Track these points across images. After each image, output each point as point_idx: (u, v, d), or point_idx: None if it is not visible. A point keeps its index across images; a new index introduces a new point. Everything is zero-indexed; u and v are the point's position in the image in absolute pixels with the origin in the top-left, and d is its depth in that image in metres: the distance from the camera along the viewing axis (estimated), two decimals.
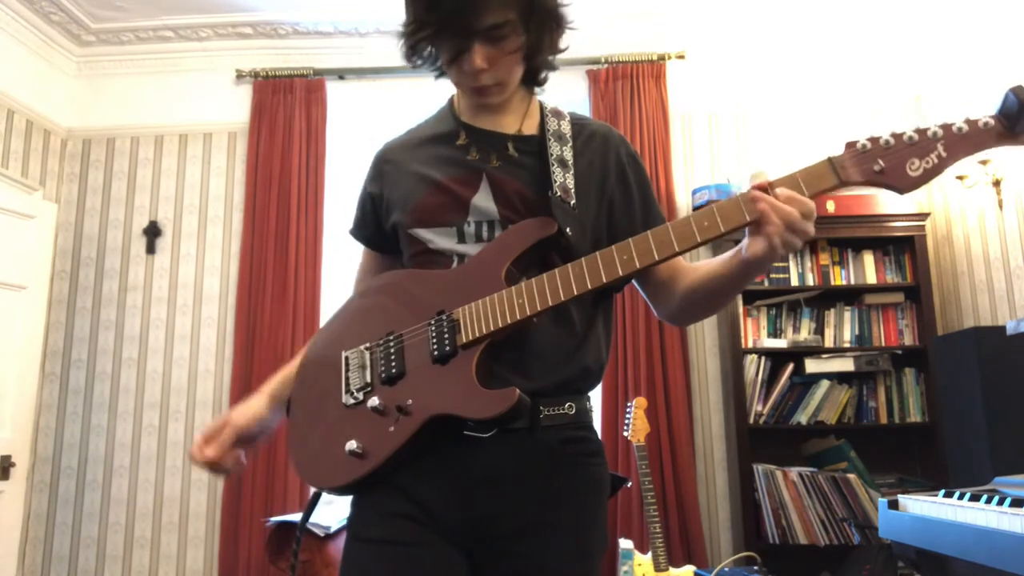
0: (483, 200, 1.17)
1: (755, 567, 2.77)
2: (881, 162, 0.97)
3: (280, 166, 3.62)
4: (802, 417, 3.20)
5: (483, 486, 1.10)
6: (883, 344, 3.28)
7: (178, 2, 3.61)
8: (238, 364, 3.46)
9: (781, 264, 3.35)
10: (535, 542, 1.09)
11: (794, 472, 3.09)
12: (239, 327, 3.50)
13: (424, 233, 1.20)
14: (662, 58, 3.69)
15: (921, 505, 1.78)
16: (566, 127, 1.23)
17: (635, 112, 3.61)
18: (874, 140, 0.98)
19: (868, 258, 3.35)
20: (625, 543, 2.75)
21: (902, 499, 1.88)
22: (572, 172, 1.17)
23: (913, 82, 3.65)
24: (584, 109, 3.66)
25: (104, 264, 3.70)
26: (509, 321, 1.06)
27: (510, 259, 1.11)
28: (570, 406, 1.14)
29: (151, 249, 3.69)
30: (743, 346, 3.27)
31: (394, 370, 1.12)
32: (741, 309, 3.32)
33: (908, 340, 3.27)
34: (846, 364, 3.20)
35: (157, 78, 3.86)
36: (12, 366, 3.25)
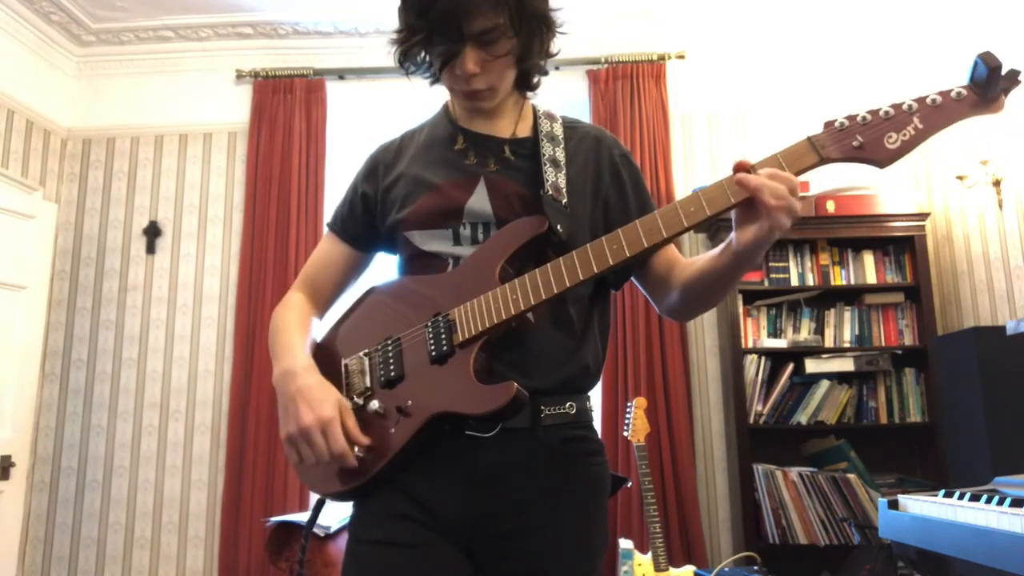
0: (479, 203, 1.18)
1: (755, 567, 2.77)
2: (859, 138, 0.99)
3: (280, 166, 3.62)
4: (802, 417, 3.20)
5: (485, 486, 1.10)
6: (883, 344, 3.28)
7: (178, 2, 3.61)
8: (238, 364, 3.46)
9: (781, 264, 3.36)
10: (536, 541, 1.09)
11: (794, 472, 3.09)
12: (239, 327, 3.50)
13: (420, 235, 1.20)
14: (662, 58, 3.69)
15: (921, 505, 1.78)
16: (558, 129, 1.24)
17: (635, 112, 3.61)
18: (851, 117, 1.00)
19: (868, 258, 3.35)
20: (625, 543, 2.75)
21: (902, 499, 1.88)
22: (564, 172, 1.19)
23: (913, 82, 3.64)
24: (584, 109, 3.66)
25: (104, 264, 3.70)
26: (504, 317, 1.07)
27: (504, 258, 1.12)
28: (571, 406, 1.15)
29: (151, 249, 3.69)
30: (743, 346, 3.27)
31: (393, 373, 1.13)
32: (741, 309, 3.32)
33: (908, 340, 3.27)
34: (846, 364, 3.20)
35: (157, 78, 3.86)
36: (12, 366, 3.25)
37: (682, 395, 3.33)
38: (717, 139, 3.70)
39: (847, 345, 3.29)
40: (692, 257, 1.20)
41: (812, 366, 3.21)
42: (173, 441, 3.53)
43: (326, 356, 1.24)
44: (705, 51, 3.75)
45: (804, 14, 3.69)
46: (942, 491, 1.74)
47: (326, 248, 1.35)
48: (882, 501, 1.94)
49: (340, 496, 1.15)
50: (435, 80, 1.21)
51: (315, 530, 2.67)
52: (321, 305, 1.35)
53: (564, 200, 1.16)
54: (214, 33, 3.80)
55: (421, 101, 3.87)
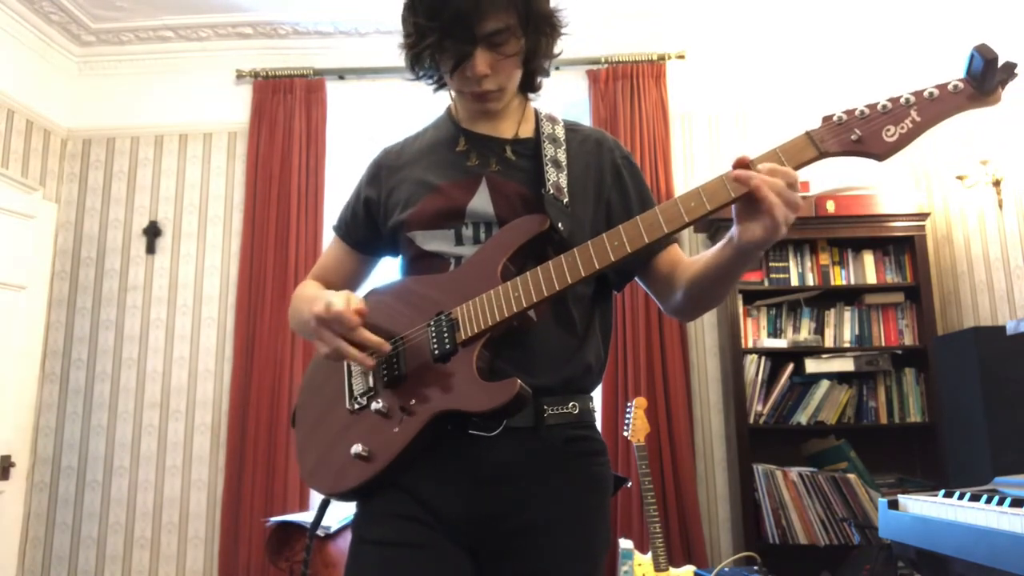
0: (481, 203, 1.19)
1: (755, 567, 2.77)
2: (858, 131, 0.99)
3: (280, 166, 3.62)
4: (802, 417, 3.20)
5: (488, 485, 1.11)
6: (883, 344, 3.28)
7: (178, 2, 3.61)
8: (238, 364, 3.46)
9: (781, 264, 3.36)
10: (540, 541, 1.10)
11: (794, 472, 3.09)
12: (239, 327, 3.50)
13: (422, 236, 1.21)
14: (662, 58, 3.69)
15: (921, 505, 1.78)
16: (560, 131, 1.25)
17: (635, 112, 3.61)
18: (849, 112, 1.01)
19: (868, 258, 3.35)
20: (625, 543, 2.75)
21: (902, 499, 1.88)
22: (566, 172, 1.20)
23: (913, 81, 3.64)
24: (584, 109, 3.66)
25: (104, 264, 3.70)
26: (506, 314, 1.07)
27: (505, 257, 1.12)
28: (573, 405, 1.16)
29: (151, 249, 3.69)
30: (743, 346, 3.27)
31: (396, 372, 1.13)
32: (741, 309, 3.32)
33: (908, 340, 3.27)
34: (846, 364, 3.20)
35: (157, 78, 3.86)
36: (12, 366, 3.25)
37: (682, 395, 3.33)
38: (717, 139, 3.70)
39: (847, 345, 3.29)
40: (694, 256, 1.20)
41: (812, 366, 3.20)
42: (173, 441, 3.53)
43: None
44: (705, 51, 3.75)
45: (804, 14, 3.69)
46: (942, 491, 1.74)
47: (334, 251, 1.38)
48: (882, 501, 1.94)
49: (344, 496, 1.15)
50: (439, 87, 1.23)
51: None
52: None
53: (565, 200, 1.17)
54: (214, 33, 3.80)
55: (421, 101, 3.87)
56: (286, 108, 3.70)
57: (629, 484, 3.12)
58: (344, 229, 1.35)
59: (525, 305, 1.07)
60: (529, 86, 1.26)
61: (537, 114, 1.29)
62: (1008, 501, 1.48)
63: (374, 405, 1.12)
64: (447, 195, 1.20)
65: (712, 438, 3.45)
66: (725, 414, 3.40)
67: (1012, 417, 2.42)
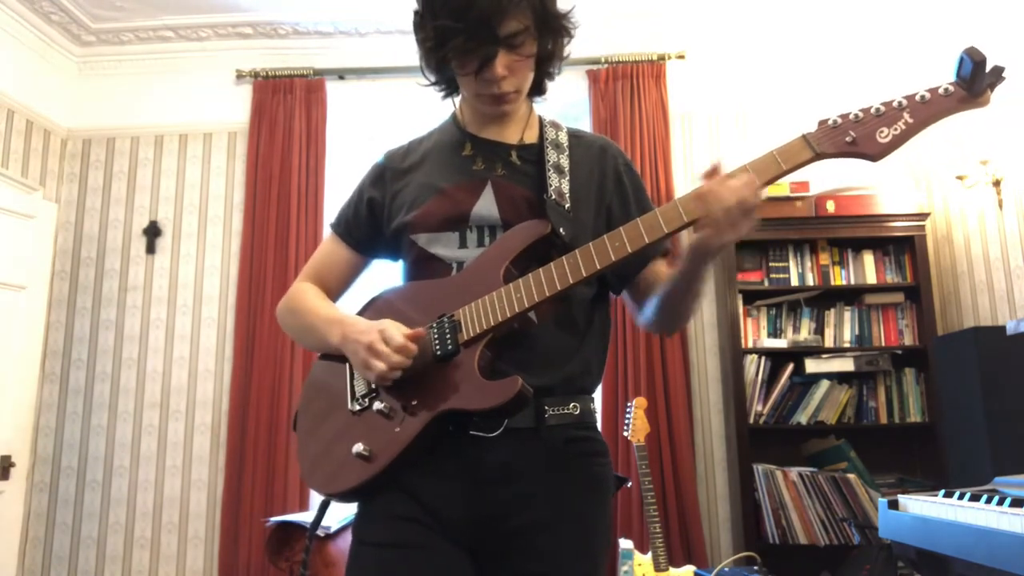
0: (485, 207, 1.20)
1: (755, 567, 2.77)
2: (852, 133, 1.04)
3: (280, 166, 3.62)
4: (802, 417, 3.20)
5: (489, 486, 1.11)
6: (883, 344, 3.28)
7: (178, 2, 3.61)
8: (238, 364, 3.46)
9: (781, 264, 3.36)
10: (541, 540, 1.10)
11: (794, 472, 3.09)
12: (239, 327, 3.50)
13: (426, 238, 1.22)
14: (662, 58, 3.69)
15: (921, 505, 1.78)
16: (563, 137, 1.28)
17: (635, 112, 3.60)
18: (844, 116, 1.05)
19: (868, 258, 3.35)
20: (625, 543, 2.75)
21: (902, 499, 1.88)
22: (568, 178, 1.22)
23: (913, 83, 3.64)
24: (584, 109, 3.66)
25: (104, 264, 3.70)
26: (508, 315, 1.09)
27: (507, 260, 1.14)
28: (574, 406, 1.17)
29: (151, 249, 3.69)
30: (743, 346, 3.27)
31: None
32: (741, 309, 3.32)
33: (908, 340, 3.27)
34: (846, 364, 3.20)
35: (157, 78, 3.86)
36: (12, 366, 3.25)
37: (682, 395, 3.33)
38: (717, 139, 3.70)
39: (847, 345, 3.29)
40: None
41: (812, 366, 3.20)
42: (173, 441, 3.53)
43: (332, 359, 1.25)
44: (705, 51, 3.75)
45: (804, 14, 3.69)
46: (942, 491, 1.74)
47: (330, 249, 1.36)
48: (882, 501, 1.94)
49: (344, 496, 1.15)
50: (448, 94, 1.26)
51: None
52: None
53: (567, 205, 1.19)
54: (214, 33, 3.80)
55: (420, 101, 3.86)
56: (286, 108, 3.70)
57: (629, 484, 3.12)
58: (344, 228, 1.34)
59: (527, 305, 1.08)
60: (537, 90, 1.28)
61: (541, 120, 1.31)
62: (1008, 501, 1.48)
63: (376, 405, 1.12)
64: (452, 198, 1.21)
65: (712, 438, 3.45)
66: (725, 414, 3.40)
67: (1012, 417, 2.42)
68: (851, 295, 3.37)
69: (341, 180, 3.72)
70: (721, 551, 3.32)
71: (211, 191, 3.75)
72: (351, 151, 3.80)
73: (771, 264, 3.36)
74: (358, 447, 1.10)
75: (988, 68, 0.98)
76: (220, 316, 3.62)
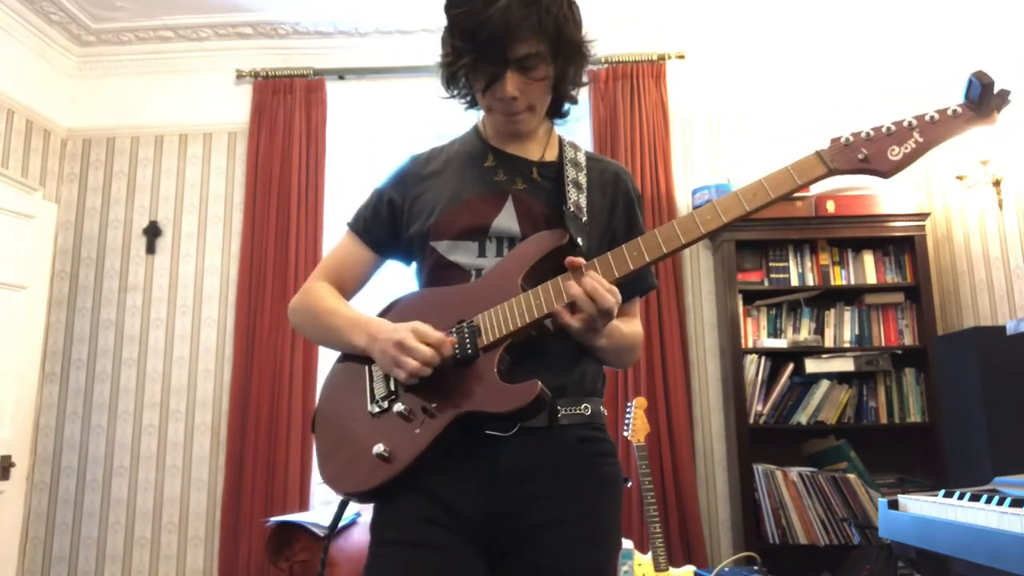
0: (506, 219, 1.24)
1: (755, 567, 2.77)
2: (864, 151, 1.09)
3: (280, 166, 3.62)
4: (802, 417, 3.20)
5: (505, 484, 1.15)
6: (883, 344, 3.27)
7: (178, 2, 3.61)
8: (238, 364, 3.46)
9: (781, 264, 3.36)
10: (553, 537, 1.14)
11: (794, 472, 3.09)
12: (239, 327, 3.50)
13: (446, 246, 1.25)
14: (662, 58, 3.69)
15: (921, 505, 1.78)
16: (582, 157, 1.32)
17: (635, 112, 3.60)
18: (856, 134, 1.10)
19: (868, 258, 3.35)
20: (625, 543, 2.75)
21: (902, 499, 1.88)
22: (585, 195, 1.26)
23: (913, 82, 3.64)
24: (584, 109, 3.66)
25: (104, 264, 3.70)
26: (528, 321, 1.13)
27: (526, 268, 1.18)
28: (585, 407, 1.21)
29: (151, 249, 3.69)
30: (743, 346, 3.27)
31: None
32: (741, 309, 3.32)
33: (908, 340, 3.27)
34: (846, 364, 3.20)
35: (157, 78, 3.86)
36: (12, 366, 3.25)
37: (682, 395, 3.33)
38: (717, 139, 3.70)
39: (847, 345, 3.29)
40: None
41: (812, 366, 3.20)
42: (173, 441, 3.53)
43: (351, 361, 1.27)
44: (705, 51, 3.75)
45: (804, 15, 3.69)
46: (942, 491, 1.74)
47: (348, 248, 1.37)
48: (882, 501, 1.94)
49: (364, 496, 1.17)
50: (471, 105, 1.29)
51: (315, 530, 2.67)
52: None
53: (584, 218, 1.24)
54: (214, 33, 3.80)
55: (421, 101, 3.87)
56: (286, 108, 3.70)
57: (629, 484, 3.12)
58: (363, 227, 1.36)
59: (547, 311, 1.12)
60: (556, 111, 1.32)
61: (561, 140, 1.36)
62: (1008, 501, 1.48)
63: (396, 407, 1.15)
64: (474, 208, 1.24)
65: (712, 438, 3.45)
66: (725, 414, 3.40)
67: (1012, 417, 2.42)
68: (851, 295, 3.37)
69: (341, 180, 3.72)
70: (721, 551, 3.32)
71: (211, 191, 3.75)
72: (351, 151, 3.80)
73: (771, 264, 3.36)
74: (379, 448, 1.12)
75: (996, 91, 1.05)
76: (220, 316, 3.62)
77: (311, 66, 3.76)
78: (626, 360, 1.32)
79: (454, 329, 1.16)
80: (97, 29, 3.74)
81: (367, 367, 1.22)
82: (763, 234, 3.30)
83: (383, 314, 1.28)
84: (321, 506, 3.37)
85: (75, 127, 3.83)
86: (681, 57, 3.70)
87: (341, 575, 2.44)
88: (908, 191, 3.43)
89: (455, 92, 1.28)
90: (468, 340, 1.14)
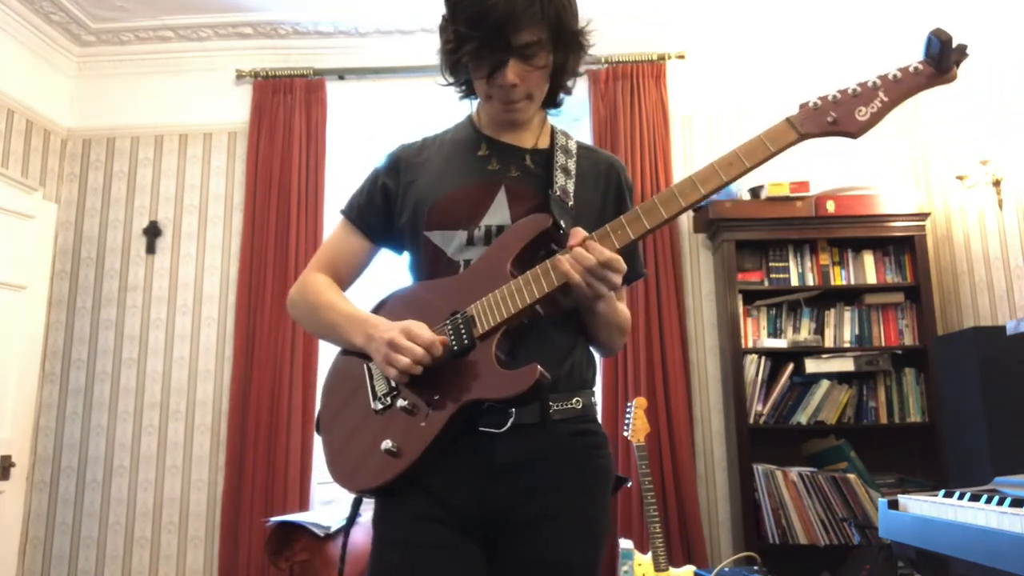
0: (499, 208, 1.24)
1: (755, 567, 2.77)
2: (832, 114, 1.11)
3: (280, 166, 3.62)
4: (802, 417, 3.20)
5: (499, 480, 1.16)
6: (883, 344, 3.27)
7: (178, 2, 3.61)
8: (238, 364, 3.46)
9: (781, 264, 3.36)
10: (547, 529, 1.16)
11: (794, 472, 3.09)
12: (239, 327, 3.49)
13: (437, 235, 1.25)
14: (662, 58, 3.69)
15: (921, 505, 1.78)
16: (572, 144, 1.33)
17: (635, 112, 3.60)
18: (823, 98, 1.12)
19: (868, 258, 3.35)
20: (625, 543, 2.75)
21: (902, 499, 1.88)
22: (573, 180, 1.27)
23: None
24: (584, 109, 3.66)
25: (104, 264, 3.70)
26: (520, 306, 1.13)
27: (512, 255, 1.18)
28: (577, 401, 1.23)
29: (151, 249, 3.69)
30: (743, 346, 3.27)
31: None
32: (741, 309, 3.32)
33: (908, 340, 3.27)
34: (846, 364, 3.20)
35: (157, 78, 3.86)
36: (12, 366, 3.25)
37: (682, 395, 3.33)
38: (717, 139, 3.70)
39: (847, 345, 3.28)
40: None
41: (812, 366, 3.20)
42: (173, 441, 3.53)
43: (350, 357, 1.27)
44: (705, 51, 3.75)
45: (804, 15, 3.69)
46: (942, 491, 1.74)
47: (343, 237, 1.37)
48: (882, 501, 1.94)
49: (375, 492, 1.19)
50: (466, 95, 1.30)
51: (315, 530, 2.67)
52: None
53: (570, 202, 1.24)
54: (214, 33, 3.80)
55: (421, 101, 3.86)
56: (286, 108, 3.70)
57: (629, 484, 3.12)
58: (357, 213, 1.36)
59: (538, 295, 1.13)
60: (551, 101, 1.32)
61: (553, 129, 1.37)
62: (1008, 501, 1.48)
63: (399, 403, 1.16)
64: (466, 197, 1.25)
65: (712, 438, 3.45)
66: (725, 414, 3.40)
67: (1012, 417, 2.42)
68: (851, 295, 3.37)
69: (341, 180, 3.72)
70: (721, 551, 3.32)
71: (211, 191, 3.75)
72: (351, 151, 3.80)
73: (771, 264, 3.36)
74: (387, 444, 1.14)
75: (954, 46, 1.08)
76: (220, 316, 3.62)
77: (311, 66, 3.76)
78: (616, 342, 1.32)
79: (448, 322, 1.17)
80: (97, 29, 3.74)
81: (367, 365, 1.23)
82: (763, 234, 3.30)
83: (376, 310, 1.29)
84: (321, 506, 3.38)
85: (75, 127, 3.83)
86: (681, 57, 3.71)
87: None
88: (908, 191, 3.43)
89: (455, 80, 1.28)
90: (464, 331, 1.15)
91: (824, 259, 3.35)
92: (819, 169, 3.36)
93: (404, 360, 1.12)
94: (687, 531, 3.23)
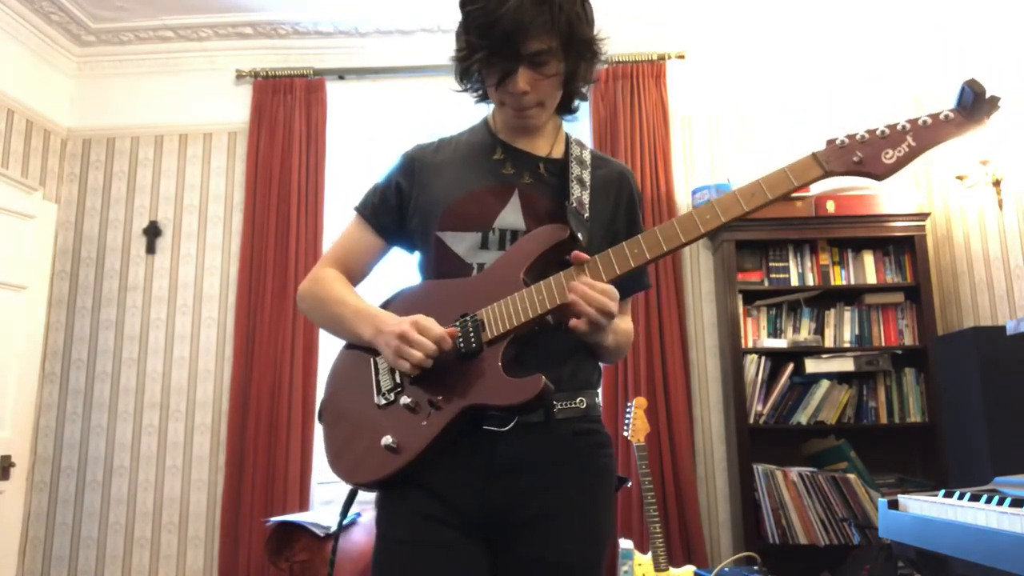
0: (512, 212, 1.25)
1: (755, 567, 2.77)
2: (859, 154, 1.11)
3: (280, 166, 3.62)
4: (802, 417, 3.20)
5: (502, 478, 1.17)
6: (883, 344, 3.27)
7: (178, 2, 3.61)
8: (238, 364, 3.46)
9: (781, 264, 3.36)
10: (550, 527, 1.17)
11: (794, 472, 3.09)
12: (239, 327, 3.49)
13: (450, 237, 1.26)
14: (662, 58, 3.68)
15: (921, 505, 1.78)
16: (587, 155, 1.34)
17: (635, 112, 3.60)
18: (851, 136, 1.12)
19: (868, 258, 3.35)
20: (625, 543, 2.75)
21: (902, 499, 1.88)
22: (588, 191, 1.28)
23: (912, 83, 3.65)
24: (584, 109, 3.64)
25: (104, 264, 3.70)
26: (531, 316, 1.15)
27: (528, 262, 1.20)
28: (581, 400, 1.23)
29: (151, 249, 3.69)
30: (743, 346, 3.27)
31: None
32: (741, 309, 3.32)
33: (908, 340, 3.27)
34: (846, 364, 3.20)
35: (157, 78, 3.86)
36: (12, 366, 3.25)
37: (682, 395, 3.33)
38: (717, 139, 3.70)
39: (847, 345, 3.28)
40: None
41: (812, 366, 3.20)
42: (173, 441, 3.53)
43: (356, 351, 1.28)
44: (705, 51, 3.75)
45: (804, 15, 3.69)
46: (942, 491, 1.74)
47: (356, 233, 1.38)
48: (882, 501, 1.94)
49: (371, 486, 1.19)
50: (482, 99, 1.31)
51: (315, 530, 2.67)
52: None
53: (586, 214, 1.26)
54: (214, 33, 3.80)
55: (421, 101, 3.86)
56: (286, 108, 3.70)
57: (629, 484, 3.12)
58: (371, 211, 1.37)
59: (549, 307, 1.14)
60: (566, 108, 1.33)
61: (568, 138, 1.38)
62: (1008, 501, 1.48)
63: (403, 400, 1.17)
64: (480, 200, 1.26)
65: (712, 438, 3.45)
66: (725, 414, 3.40)
67: (1012, 417, 2.42)
68: (851, 295, 3.37)
69: (341, 180, 3.72)
70: (721, 551, 3.32)
71: (211, 191, 3.75)
72: (351, 151, 3.80)
73: (771, 264, 3.36)
74: (387, 439, 1.14)
75: (987, 97, 1.07)
76: (220, 316, 3.62)
77: (311, 66, 3.76)
78: (618, 357, 1.34)
79: (458, 323, 1.18)
80: (97, 29, 3.74)
81: (372, 359, 1.24)
82: (763, 234, 3.30)
83: (384, 306, 1.30)
84: (321, 506, 3.38)
85: (75, 127, 3.83)
86: (681, 57, 3.70)
87: (341, 575, 2.43)
88: (908, 191, 3.43)
89: (468, 86, 1.30)
90: (472, 334, 1.16)
91: (824, 259, 3.35)
92: None
93: (417, 354, 1.13)
94: (687, 531, 3.23)
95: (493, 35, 1.15)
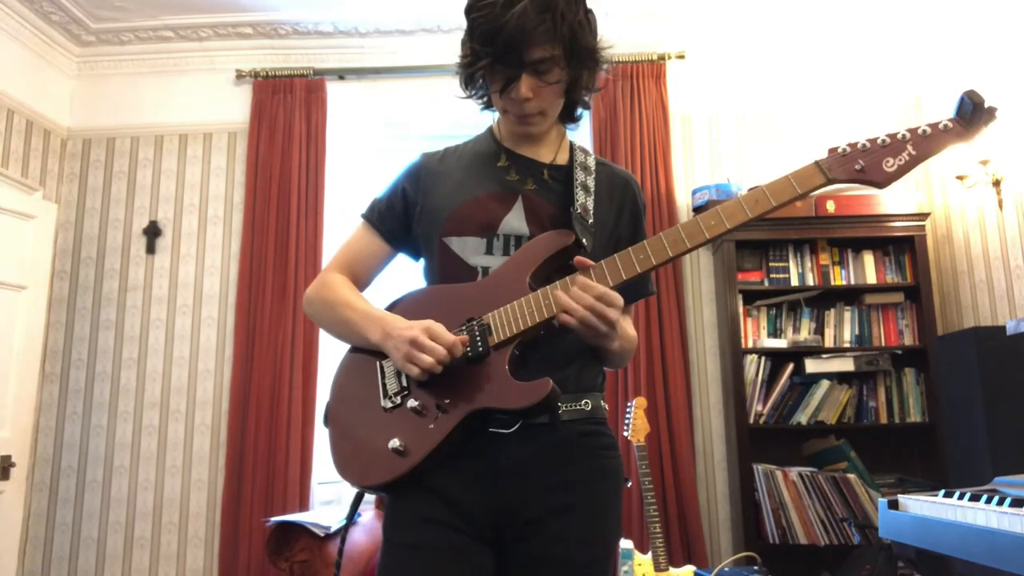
0: (516, 218, 1.27)
1: (755, 567, 2.77)
2: (861, 162, 1.14)
3: (280, 166, 3.62)
4: (802, 417, 3.20)
5: (508, 478, 1.18)
6: (883, 344, 3.27)
7: (178, 2, 3.61)
8: (238, 364, 3.46)
9: (781, 264, 3.36)
10: (555, 526, 1.17)
11: (794, 472, 3.09)
12: (239, 327, 3.49)
13: (455, 242, 1.27)
14: (662, 58, 3.69)
15: (921, 505, 1.78)
16: (591, 162, 1.35)
17: (635, 112, 3.60)
18: (853, 145, 1.14)
19: (868, 258, 3.35)
20: (625, 543, 2.75)
21: (902, 499, 1.88)
22: (592, 197, 1.29)
23: (912, 83, 3.65)
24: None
25: (104, 264, 3.70)
26: (538, 320, 1.16)
27: (533, 267, 1.21)
28: (586, 403, 1.26)
29: (151, 249, 3.69)
30: (743, 346, 3.27)
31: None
32: (741, 309, 3.32)
33: (908, 340, 3.27)
34: (846, 364, 3.20)
35: (157, 78, 3.86)
36: (12, 366, 3.25)
37: (682, 395, 3.33)
38: (717, 139, 3.70)
39: (847, 345, 3.28)
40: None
41: (812, 366, 3.20)
42: (173, 441, 3.53)
43: (362, 355, 1.29)
44: (705, 51, 3.75)
45: (804, 15, 3.69)
46: (942, 491, 1.74)
47: (362, 239, 1.39)
48: (882, 501, 1.93)
49: (378, 489, 1.20)
50: (486, 106, 1.32)
51: (315, 530, 2.67)
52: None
53: (590, 220, 1.27)
54: (214, 33, 3.80)
55: (421, 101, 3.86)
56: (286, 108, 3.70)
57: (629, 484, 3.12)
58: (378, 217, 1.38)
59: (555, 312, 1.15)
60: (569, 116, 1.35)
61: (572, 144, 1.39)
62: (1008, 501, 1.48)
63: (409, 403, 1.17)
64: (485, 206, 1.27)
65: (712, 438, 3.45)
66: (725, 414, 3.40)
67: (1012, 417, 2.41)
68: (851, 295, 3.36)
69: (341, 180, 3.72)
70: (721, 551, 3.32)
71: (211, 191, 3.75)
72: (351, 151, 3.80)
73: (771, 264, 3.36)
74: (394, 442, 1.15)
75: (985, 107, 1.12)
76: (220, 316, 3.62)
77: (311, 66, 3.76)
78: (622, 363, 1.36)
79: (464, 327, 1.19)
80: (97, 29, 3.74)
81: (378, 363, 1.24)
82: (763, 234, 3.30)
83: (389, 309, 1.30)
84: (321, 506, 3.38)
85: (75, 127, 3.83)
86: (681, 57, 3.71)
87: (341, 574, 2.43)
88: (908, 191, 3.43)
89: (472, 93, 1.31)
90: (479, 338, 1.17)
91: (824, 259, 3.35)
92: None
93: (428, 359, 1.13)
94: (687, 531, 3.23)
95: (497, 42, 1.17)
